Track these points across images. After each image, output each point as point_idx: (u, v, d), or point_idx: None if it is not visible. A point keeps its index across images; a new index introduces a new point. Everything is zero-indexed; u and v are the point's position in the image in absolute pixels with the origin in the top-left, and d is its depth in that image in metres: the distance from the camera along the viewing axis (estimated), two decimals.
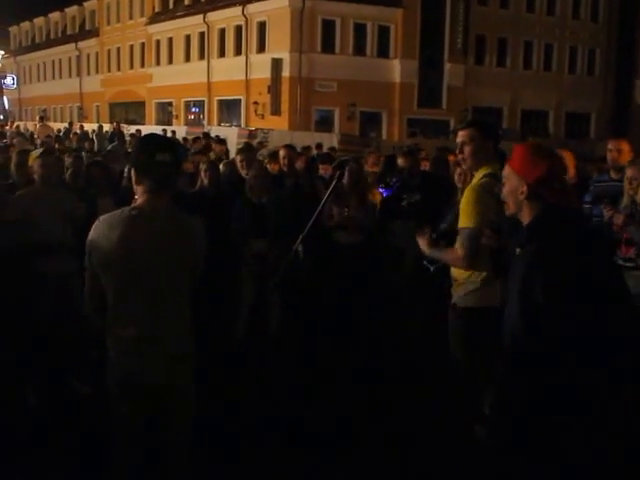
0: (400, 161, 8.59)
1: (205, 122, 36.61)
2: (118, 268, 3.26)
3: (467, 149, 4.34)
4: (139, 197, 3.34)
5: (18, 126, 27.64)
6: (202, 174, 7.33)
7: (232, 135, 23.26)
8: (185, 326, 3.45)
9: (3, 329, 5.13)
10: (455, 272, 4.44)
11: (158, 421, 3.46)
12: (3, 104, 24.00)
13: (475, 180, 4.35)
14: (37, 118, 25.66)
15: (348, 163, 7.33)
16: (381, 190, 8.13)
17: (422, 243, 4.49)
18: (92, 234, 3.31)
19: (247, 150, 7.88)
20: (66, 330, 5.33)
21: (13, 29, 62.09)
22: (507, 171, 3.18)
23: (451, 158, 8.66)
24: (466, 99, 36.36)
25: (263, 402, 5.36)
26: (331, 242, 6.55)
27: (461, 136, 4.37)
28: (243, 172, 7.54)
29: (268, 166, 8.76)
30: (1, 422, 4.73)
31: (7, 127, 23.63)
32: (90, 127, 28.77)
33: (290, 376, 5.76)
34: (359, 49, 34.65)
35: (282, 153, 8.00)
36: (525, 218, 3.12)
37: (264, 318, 6.62)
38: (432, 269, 4.61)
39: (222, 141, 14.72)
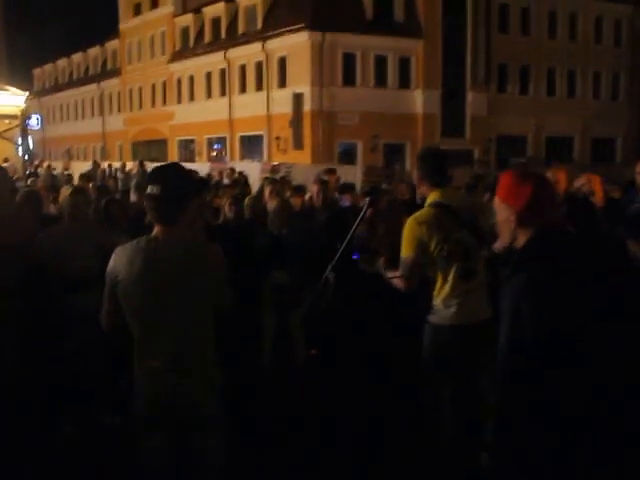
0: None
1: (227, 158, 36.59)
2: (141, 298, 3.33)
3: None
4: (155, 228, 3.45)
5: (49, 166, 27.80)
6: (226, 208, 7.43)
7: (255, 170, 23.13)
8: (211, 354, 3.50)
9: (38, 361, 5.35)
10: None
11: (188, 450, 3.48)
12: (28, 144, 24.07)
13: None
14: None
15: (378, 190, 7.12)
16: None
17: (381, 264, 4.84)
18: (112, 266, 3.40)
19: (275, 182, 7.87)
20: (97, 361, 5.46)
21: (37, 71, 63.06)
22: (496, 202, 3.14)
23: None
24: (490, 128, 36.12)
25: (285, 435, 5.43)
26: (359, 271, 6.57)
27: None
28: (270, 203, 7.73)
29: (291, 199, 8.66)
30: (37, 451, 4.94)
31: (33, 166, 23.55)
32: (114, 166, 28.79)
33: (315, 408, 5.78)
34: (380, 81, 34.61)
35: (316, 187, 8.11)
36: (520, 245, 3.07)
37: (289, 349, 6.75)
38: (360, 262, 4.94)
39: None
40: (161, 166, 3.61)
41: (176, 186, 3.36)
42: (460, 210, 4.67)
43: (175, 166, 3.62)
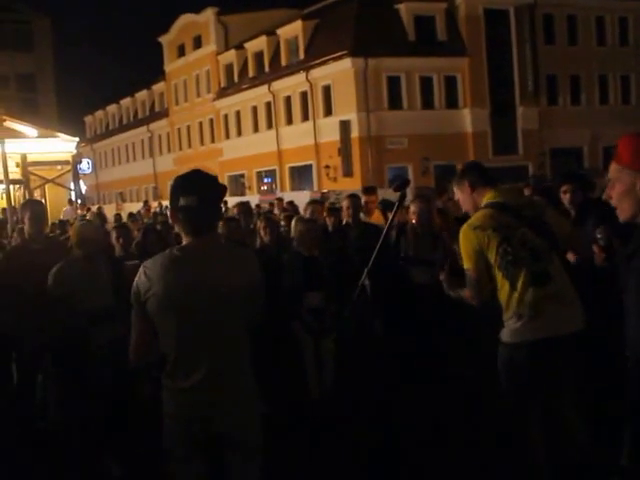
0: None
1: (278, 190, 36.46)
2: (179, 311, 3.14)
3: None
4: (183, 239, 3.30)
5: (99, 208, 28.34)
6: (261, 231, 7.34)
7: (304, 199, 22.81)
8: (246, 367, 3.32)
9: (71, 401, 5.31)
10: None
11: (223, 473, 3.30)
12: (80, 189, 24.44)
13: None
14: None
15: (407, 183, 6.77)
16: None
17: (444, 283, 4.42)
18: (142, 281, 3.18)
19: (314, 203, 7.62)
20: (110, 403, 5.25)
21: (88, 118, 64.48)
22: (614, 170, 2.69)
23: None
24: (543, 142, 35.31)
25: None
26: (406, 280, 6.60)
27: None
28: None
29: (327, 219, 8.47)
30: None
31: (85, 209, 23.97)
32: (164, 204, 29.11)
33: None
34: (427, 102, 34.17)
35: (346, 203, 7.76)
36: None
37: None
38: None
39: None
40: (191, 176, 3.32)
41: (212, 195, 3.24)
42: (520, 207, 4.19)
43: (203, 174, 3.38)
